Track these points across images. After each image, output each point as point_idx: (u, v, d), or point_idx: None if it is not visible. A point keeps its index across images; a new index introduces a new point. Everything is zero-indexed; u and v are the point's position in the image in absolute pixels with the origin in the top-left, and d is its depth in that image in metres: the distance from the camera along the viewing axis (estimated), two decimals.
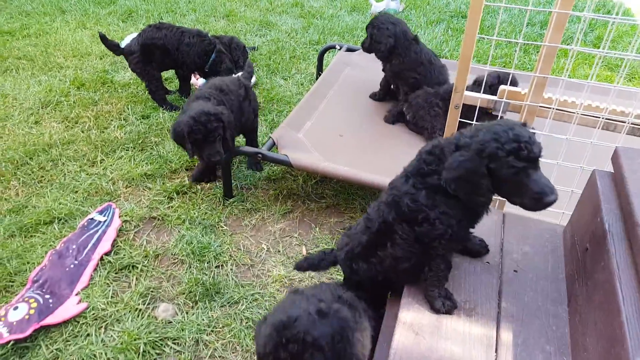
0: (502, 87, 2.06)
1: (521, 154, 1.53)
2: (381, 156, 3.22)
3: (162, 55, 3.95)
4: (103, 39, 3.84)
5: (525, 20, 2.05)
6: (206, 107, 2.79)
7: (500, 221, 2.16)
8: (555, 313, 1.82)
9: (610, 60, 5.00)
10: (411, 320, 1.81)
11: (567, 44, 4.50)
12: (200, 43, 4.03)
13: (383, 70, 3.70)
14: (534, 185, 1.57)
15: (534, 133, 1.62)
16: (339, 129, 3.48)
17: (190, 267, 2.67)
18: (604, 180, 1.79)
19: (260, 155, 2.98)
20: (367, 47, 3.61)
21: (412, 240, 1.77)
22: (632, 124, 1.99)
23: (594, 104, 2.06)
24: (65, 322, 2.36)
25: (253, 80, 4.52)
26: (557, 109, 2.00)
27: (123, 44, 4.88)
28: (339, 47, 4.58)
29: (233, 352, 2.28)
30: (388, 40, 3.45)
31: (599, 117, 1.98)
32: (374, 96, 3.91)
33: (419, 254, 1.79)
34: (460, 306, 1.84)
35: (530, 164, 1.56)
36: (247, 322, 2.40)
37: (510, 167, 1.54)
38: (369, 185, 2.84)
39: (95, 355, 2.22)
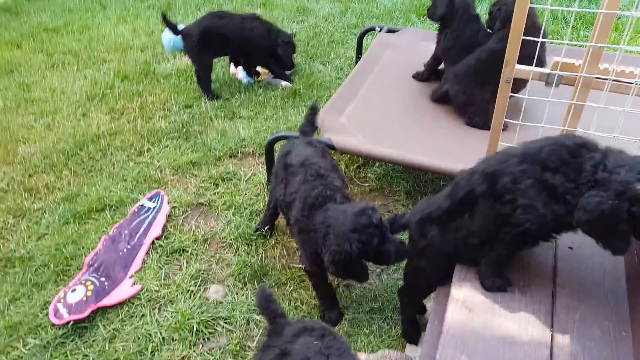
0: (555, 58, 2.04)
1: None
2: (425, 137, 3.23)
3: (221, 43, 4.14)
4: (164, 18, 4.03)
5: None
6: (356, 206, 2.13)
7: None
8: (613, 288, 1.81)
9: None
10: (464, 297, 1.84)
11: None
12: (260, 25, 4.19)
13: (437, 43, 3.66)
14: None
15: None
16: (381, 112, 3.50)
17: (238, 251, 2.78)
18: None
19: None
20: (428, 12, 3.64)
21: (490, 219, 1.76)
22: None
23: None
24: (121, 304, 2.51)
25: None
26: (614, 80, 1.96)
27: (163, 37, 5.08)
28: (379, 29, 4.59)
29: None
30: (444, 8, 3.42)
31: None
32: (417, 76, 3.88)
33: (491, 233, 1.78)
34: (515, 283, 1.85)
35: None
36: (295, 303, 2.49)
37: None
38: (413, 166, 2.87)
39: (150, 335, 2.36)
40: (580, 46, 1.99)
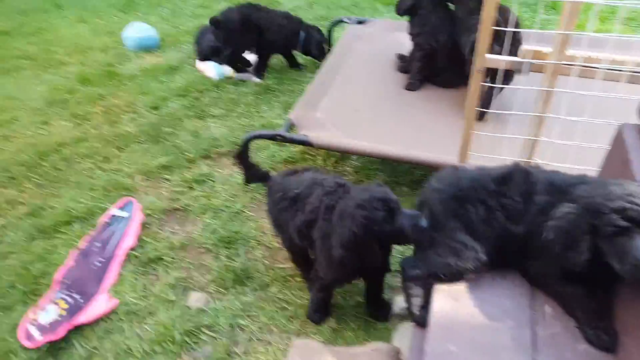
0: (524, 47, 2.10)
1: (628, 212, 1.47)
2: (401, 127, 3.28)
3: (254, 33, 4.24)
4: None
5: None
6: (360, 188, 2.12)
7: None
8: None
9: (632, 16, 4.99)
10: (449, 287, 1.89)
11: None
12: (289, 24, 4.31)
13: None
14: (636, 251, 1.45)
15: None
16: (356, 104, 3.53)
17: (218, 255, 2.77)
18: (632, 133, 1.84)
19: (279, 136, 3.05)
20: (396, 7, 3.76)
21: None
22: None
23: (619, 57, 2.09)
24: (98, 320, 2.47)
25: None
26: (581, 66, 2.04)
27: (123, 35, 4.99)
28: (348, 21, 4.61)
29: (270, 334, 2.39)
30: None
31: (624, 71, 2.01)
32: (402, 68, 3.92)
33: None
34: (495, 271, 1.92)
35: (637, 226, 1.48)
36: (281, 304, 2.50)
37: (612, 226, 1.49)
38: (390, 157, 2.92)
39: (131, 349, 2.33)
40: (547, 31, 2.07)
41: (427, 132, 3.21)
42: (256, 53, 4.46)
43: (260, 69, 4.44)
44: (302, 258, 2.55)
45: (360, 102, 3.55)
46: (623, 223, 1.47)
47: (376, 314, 2.46)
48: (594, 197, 1.58)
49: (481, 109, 2.65)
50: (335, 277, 2.28)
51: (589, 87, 2.10)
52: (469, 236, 1.89)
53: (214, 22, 4.19)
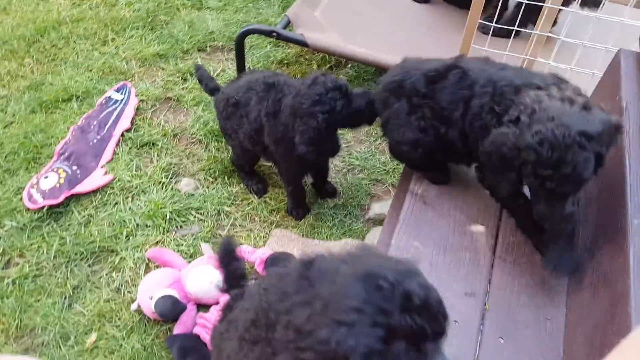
0: None
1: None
2: (403, 37, 3.23)
3: None
4: None
5: None
6: (308, 79, 2.11)
7: None
8: None
9: None
10: (422, 191, 2.01)
11: None
12: None
13: None
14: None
15: None
16: (358, 6, 3.44)
17: (208, 146, 2.89)
18: (628, 60, 1.84)
19: (275, 33, 3.03)
20: None
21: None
22: None
23: None
24: (94, 192, 2.64)
25: None
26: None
27: None
28: None
29: (251, 222, 2.57)
30: None
31: None
32: None
33: None
34: (469, 180, 2.04)
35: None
36: (264, 197, 2.67)
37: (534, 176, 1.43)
38: (386, 67, 2.92)
39: (124, 221, 2.52)
40: None
41: (430, 45, 3.13)
42: None
43: None
44: (251, 165, 2.69)
45: (362, 5, 3.46)
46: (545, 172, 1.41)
47: (326, 194, 2.67)
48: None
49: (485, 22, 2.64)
50: (298, 171, 2.43)
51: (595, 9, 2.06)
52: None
53: None
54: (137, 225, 2.50)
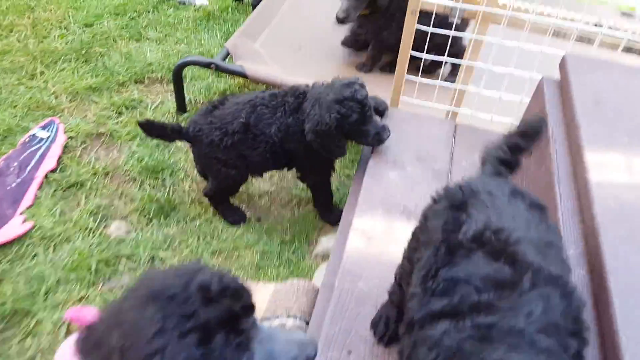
0: None
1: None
2: (342, 70, 3.15)
3: None
4: None
5: None
6: (345, 80, 2.12)
7: (451, 131, 2.20)
8: None
9: None
10: (364, 227, 1.87)
11: None
12: None
13: None
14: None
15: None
16: (298, 40, 3.34)
17: (143, 185, 2.62)
18: (551, 87, 1.83)
19: (213, 65, 2.86)
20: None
21: None
22: (580, 30, 2.00)
23: (547, 10, 2.07)
24: (10, 243, 2.30)
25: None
26: (510, 15, 1.97)
27: None
28: None
29: None
30: None
31: (550, 24, 1.98)
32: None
33: None
34: (411, 212, 1.89)
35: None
36: (204, 238, 2.42)
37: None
38: None
39: (44, 275, 2.19)
40: None
41: (367, 77, 3.08)
42: None
43: None
44: (233, 194, 2.53)
45: (302, 39, 3.36)
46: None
47: (327, 219, 2.58)
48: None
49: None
50: (325, 167, 2.41)
51: (517, 38, 2.05)
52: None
53: None
54: (59, 279, 2.19)
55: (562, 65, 1.77)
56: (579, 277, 1.19)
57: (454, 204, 1.14)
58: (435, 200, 1.27)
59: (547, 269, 0.92)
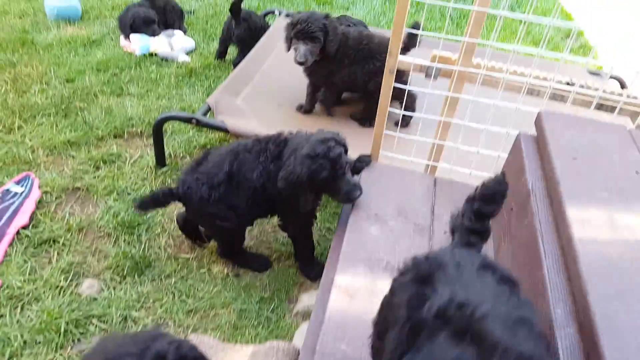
0: (434, 51, 2.03)
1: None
2: (323, 125, 3.11)
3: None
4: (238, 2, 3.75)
5: None
6: (323, 135, 2.10)
7: (431, 185, 2.17)
8: None
9: (535, 36, 5.16)
10: (346, 284, 1.78)
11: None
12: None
13: None
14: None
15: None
16: (278, 97, 3.35)
17: (118, 241, 2.50)
18: (528, 143, 1.83)
19: (194, 120, 2.82)
20: None
21: None
22: (553, 88, 2.04)
23: (519, 69, 2.11)
24: None
25: (190, 46, 4.29)
26: (485, 74, 2.01)
27: (46, 4, 4.51)
28: (278, 13, 4.42)
29: (165, 328, 2.17)
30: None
31: (524, 82, 2.01)
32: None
33: None
34: (394, 268, 1.82)
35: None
36: (179, 296, 2.29)
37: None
38: None
39: (9, 338, 2.03)
40: (456, 41, 2.03)
41: (347, 132, 3.06)
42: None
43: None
44: (242, 243, 2.46)
45: (282, 96, 3.38)
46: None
47: (308, 275, 2.48)
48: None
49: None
50: (308, 216, 2.36)
51: (492, 96, 2.08)
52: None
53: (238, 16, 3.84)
54: (25, 342, 2.03)
55: (538, 122, 1.78)
56: (568, 336, 1.13)
57: (419, 276, 1.08)
58: (402, 273, 1.19)
59: (517, 349, 0.84)
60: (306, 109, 3.25)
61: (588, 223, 1.28)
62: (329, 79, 3.09)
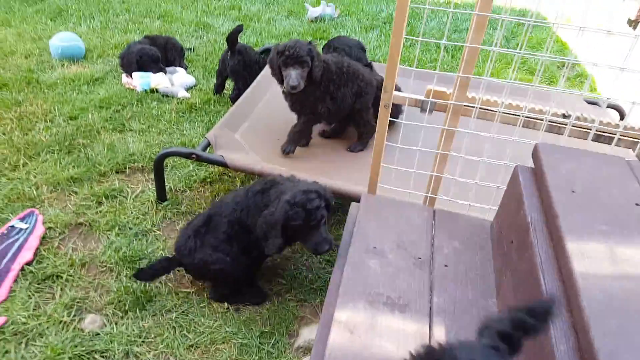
0: (428, 86, 2.04)
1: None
2: (318, 159, 3.14)
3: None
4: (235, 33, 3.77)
5: (449, 23, 2.03)
6: (308, 185, 2.16)
7: (430, 217, 2.14)
8: (485, 306, 1.81)
9: (531, 65, 5.20)
10: (346, 319, 1.73)
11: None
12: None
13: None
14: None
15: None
16: (276, 131, 3.35)
17: (120, 275, 2.45)
18: (526, 175, 1.81)
19: (194, 155, 2.81)
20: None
21: None
22: (549, 121, 2.02)
23: (515, 102, 2.10)
24: None
25: (191, 82, 4.32)
26: (480, 108, 2.00)
27: (51, 43, 4.54)
28: None
29: None
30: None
31: (520, 115, 2.00)
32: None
33: None
34: (395, 302, 1.79)
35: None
36: (180, 330, 2.23)
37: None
38: None
39: None
40: (452, 72, 2.04)
41: (341, 164, 3.09)
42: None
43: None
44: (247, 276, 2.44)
45: (280, 130, 3.37)
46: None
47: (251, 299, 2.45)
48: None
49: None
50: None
51: (488, 129, 2.07)
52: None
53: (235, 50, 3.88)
54: None
55: (535, 154, 1.77)
56: None
57: None
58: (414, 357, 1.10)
59: None
60: (303, 144, 3.25)
61: (588, 257, 1.26)
62: (315, 108, 3.05)
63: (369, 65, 3.47)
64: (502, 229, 1.93)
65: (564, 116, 2.02)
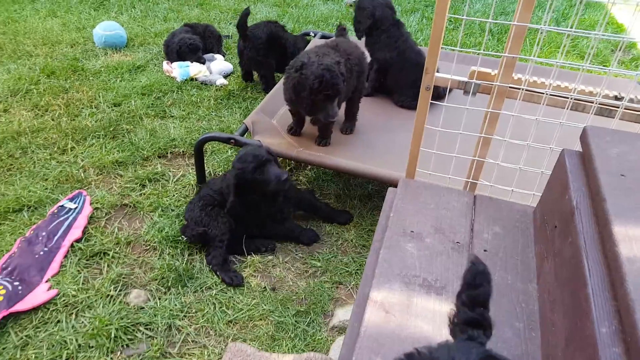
0: (472, 68, 2.00)
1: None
2: (354, 143, 3.15)
3: (278, 53, 3.98)
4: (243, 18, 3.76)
5: (494, 3, 1.99)
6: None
7: (471, 203, 2.12)
8: (525, 290, 1.80)
9: (582, 49, 5.03)
10: (382, 299, 1.76)
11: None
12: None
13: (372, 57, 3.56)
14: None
15: None
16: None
17: (163, 254, 2.57)
18: (573, 159, 1.77)
19: (233, 140, 2.89)
20: (354, 27, 3.56)
21: None
22: (600, 104, 1.93)
23: (563, 84, 2.01)
24: (35, 309, 2.25)
25: (228, 69, 4.40)
26: (526, 90, 1.95)
27: (94, 32, 4.72)
28: (313, 35, 4.50)
29: (206, 337, 2.21)
30: (367, 21, 3.41)
31: (568, 97, 1.93)
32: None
33: None
34: (431, 285, 1.80)
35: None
36: (220, 307, 2.33)
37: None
38: (342, 170, 2.80)
39: (65, 342, 2.12)
40: (496, 56, 1.97)
41: (378, 148, 3.09)
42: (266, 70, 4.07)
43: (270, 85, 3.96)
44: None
45: None
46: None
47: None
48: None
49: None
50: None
51: (534, 112, 2.02)
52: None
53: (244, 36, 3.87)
54: (80, 346, 2.11)
55: (584, 138, 1.72)
56: (613, 355, 1.09)
57: None
58: None
59: None
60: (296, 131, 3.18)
61: (636, 241, 1.24)
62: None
63: (396, 24, 3.48)
64: (545, 214, 1.91)
65: (616, 98, 1.92)
